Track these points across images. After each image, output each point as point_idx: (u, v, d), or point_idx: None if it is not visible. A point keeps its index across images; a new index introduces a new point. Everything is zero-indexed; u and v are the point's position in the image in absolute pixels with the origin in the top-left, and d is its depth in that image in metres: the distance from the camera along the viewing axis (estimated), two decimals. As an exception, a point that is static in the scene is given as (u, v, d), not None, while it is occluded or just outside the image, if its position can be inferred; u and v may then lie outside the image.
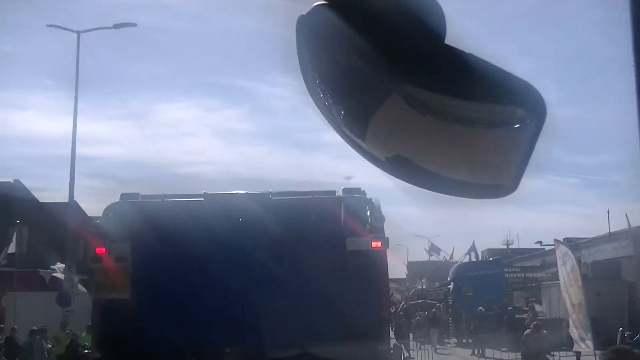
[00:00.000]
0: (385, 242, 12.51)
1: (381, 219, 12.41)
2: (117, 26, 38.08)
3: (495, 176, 2.17)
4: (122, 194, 13.17)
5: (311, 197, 12.75)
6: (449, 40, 1.95)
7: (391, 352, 12.79)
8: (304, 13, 2.03)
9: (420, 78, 1.96)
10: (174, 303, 12.49)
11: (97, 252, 12.47)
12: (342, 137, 2.22)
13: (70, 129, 37.76)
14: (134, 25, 38.88)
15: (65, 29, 37.86)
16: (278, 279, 12.41)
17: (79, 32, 37.69)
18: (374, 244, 12.43)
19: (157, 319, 12.41)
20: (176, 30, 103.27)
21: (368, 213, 12.55)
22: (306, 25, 2.05)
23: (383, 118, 2.05)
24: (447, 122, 2.01)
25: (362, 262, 12.43)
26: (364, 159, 2.26)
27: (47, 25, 38.07)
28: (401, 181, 2.21)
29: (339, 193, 12.98)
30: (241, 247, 12.47)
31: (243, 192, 13.16)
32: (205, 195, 12.92)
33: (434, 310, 47.71)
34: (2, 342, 28.88)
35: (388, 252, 12.74)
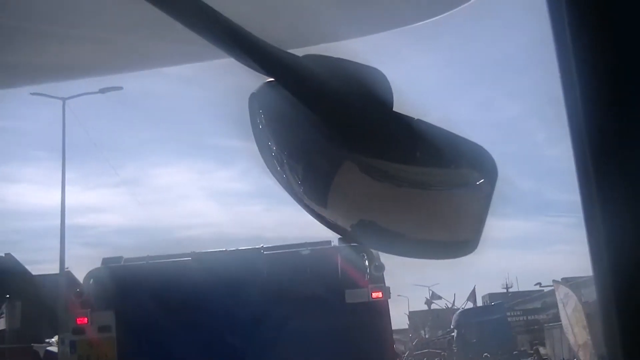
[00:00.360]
0: (387, 291, 11.75)
1: (381, 267, 11.66)
2: (102, 91, 37.55)
3: (456, 235, 2.10)
4: (103, 259, 12.40)
5: (305, 249, 12.00)
6: (398, 108, 1.93)
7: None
8: (254, 91, 2.07)
9: (370, 146, 1.95)
10: None
11: (78, 322, 11.65)
12: (306, 210, 2.17)
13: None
14: (120, 88, 38.22)
15: (49, 96, 37.30)
16: (274, 341, 11.64)
17: (63, 99, 37.23)
18: (374, 294, 11.67)
19: None
20: (165, 95, 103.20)
21: (366, 262, 11.80)
22: (256, 102, 2.09)
23: (341, 186, 2.01)
24: (403, 187, 1.98)
25: (363, 314, 11.69)
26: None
27: (31, 94, 37.38)
28: None
29: (335, 243, 12.23)
30: (232, 308, 11.72)
31: (232, 248, 12.37)
32: (192, 254, 12.17)
33: (437, 359, 46.82)
34: None
35: (389, 302, 11.97)
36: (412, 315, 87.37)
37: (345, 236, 2.26)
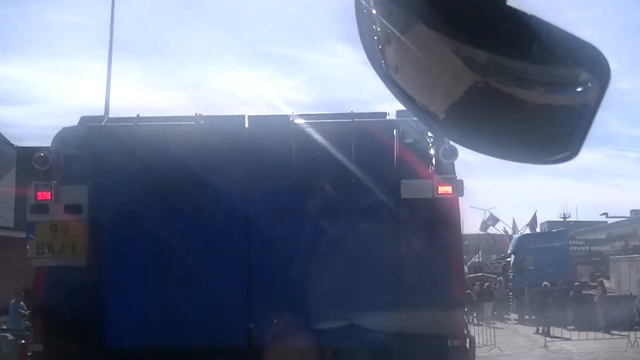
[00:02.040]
0: (458, 186, 8.25)
1: (452, 152, 8.12)
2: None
3: (556, 141, 2.01)
4: (81, 117, 9.01)
5: (350, 120, 8.43)
6: (512, 1, 1.83)
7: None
8: None
9: (480, 40, 1.87)
10: (154, 276, 8.43)
11: (38, 197, 8.34)
12: (397, 95, 2.06)
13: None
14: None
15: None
16: (302, 242, 8.35)
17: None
18: (441, 188, 8.22)
19: (128, 298, 8.38)
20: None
21: (432, 145, 8.27)
22: None
23: (442, 76, 1.96)
24: (507, 85, 1.90)
25: (425, 216, 8.27)
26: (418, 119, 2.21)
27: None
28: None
29: (392, 116, 8.65)
30: (250, 196, 8.36)
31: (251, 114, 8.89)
32: (197, 117, 8.71)
33: (487, 283, 43.33)
34: None
35: (461, 201, 8.49)
36: (466, 238, 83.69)
37: (435, 126, 2.11)
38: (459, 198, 8.35)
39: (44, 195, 8.27)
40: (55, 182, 8.31)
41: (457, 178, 8.26)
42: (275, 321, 8.07)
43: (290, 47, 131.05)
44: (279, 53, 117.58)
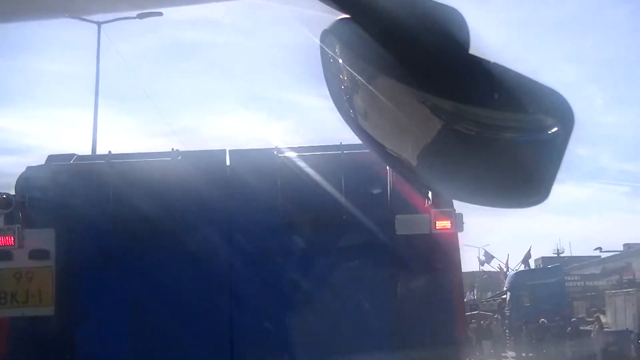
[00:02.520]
0: (458, 220, 7.54)
1: None
2: (140, 16, 33.16)
3: (526, 184, 2.03)
4: (49, 156, 8.27)
5: (339, 152, 7.74)
6: (474, 50, 1.88)
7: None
8: (327, 27, 2.00)
9: (443, 89, 1.91)
10: (130, 327, 7.68)
11: (1, 243, 7.59)
12: (367, 143, 2.14)
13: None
14: (160, 14, 33.94)
15: (84, 19, 33.10)
16: (289, 286, 7.71)
17: (99, 23, 33.11)
18: (439, 223, 7.51)
19: (101, 354, 7.62)
20: (221, 45, 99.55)
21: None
22: (329, 37, 2.02)
23: (409, 125, 2.00)
24: (474, 132, 1.94)
25: (422, 253, 7.58)
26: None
27: (67, 16, 33.25)
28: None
29: None
30: (232, 238, 7.70)
31: (234, 148, 8.19)
32: (173, 152, 8.02)
33: (487, 321, 42.51)
34: None
35: (460, 237, 7.79)
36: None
37: (409, 175, 2.16)
38: (458, 233, 7.66)
39: (7, 240, 7.50)
40: (19, 225, 7.56)
41: (456, 212, 7.57)
42: None
43: (282, 90, 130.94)
44: (271, 97, 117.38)
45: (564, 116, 1.85)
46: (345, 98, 2.11)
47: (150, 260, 7.62)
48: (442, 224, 7.46)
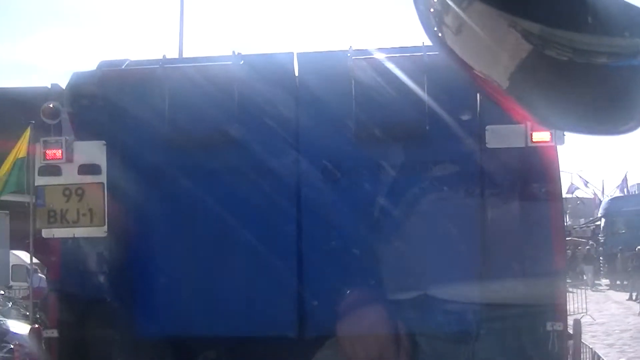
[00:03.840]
0: (558, 132, 6.42)
1: None
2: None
3: (620, 111, 1.92)
4: (100, 62, 7.39)
5: (422, 54, 6.64)
6: None
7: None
8: None
9: (535, 12, 1.80)
10: (187, 250, 6.88)
11: (47, 157, 6.80)
12: (456, 64, 2.05)
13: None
14: None
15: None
16: (364, 205, 6.77)
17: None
18: (537, 135, 6.42)
19: (158, 277, 6.89)
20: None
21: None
22: None
23: (499, 50, 1.91)
24: (567, 57, 1.81)
25: (515, 170, 6.51)
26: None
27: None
28: None
29: None
30: (300, 152, 6.81)
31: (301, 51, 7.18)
32: (235, 57, 7.06)
33: (588, 247, 41.16)
34: None
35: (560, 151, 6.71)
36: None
37: (494, 99, 2.13)
38: (558, 147, 6.57)
39: (54, 154, 6.74)
40: (68, 138, 6.79)
41: (556, 122, 6.46)
42: (331, 304, 6.46)
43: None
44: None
45: None
46: (434, 20, 1.99)
47: (208, 176, 6.78)
48: (540, 136, 6.38)
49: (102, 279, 6.81)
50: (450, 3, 1.94)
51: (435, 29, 2.03)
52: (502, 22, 1.85)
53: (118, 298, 6.73)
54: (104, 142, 6.79)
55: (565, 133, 6.42)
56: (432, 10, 2.03)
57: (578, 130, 2.16)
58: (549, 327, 6.44)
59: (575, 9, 1.78)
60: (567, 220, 65.78)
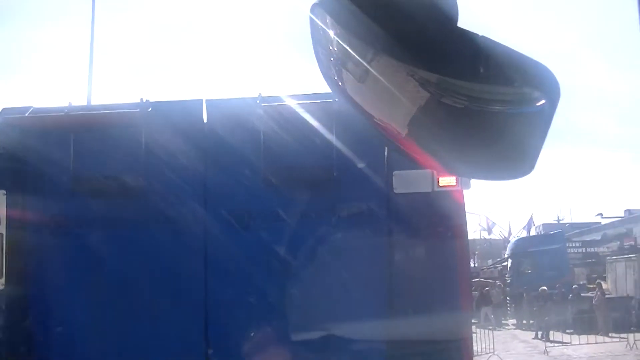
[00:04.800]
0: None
1: None
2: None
3: (513, 156, 2.01)
4: (2, 109, 7.19)
5: (331, 100, 6.68)
6: (462, 23, 1.84)
7: None
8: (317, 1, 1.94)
9: (431, 63, 1.89)
10: (91, 299, 6.68)
11: None
12: (356, 110, 2.11)
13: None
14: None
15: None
16: (271, 250, 6.67)
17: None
18: (443, 180, 6.51)
19: (60, 327, 6.66)
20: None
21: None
22: (319, 10, 1.95)
23: (398, 97, 1.93)
24: (462, 105, 1.91)
25: (423, 214, 6.56)
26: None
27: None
28: None
29: None
30: (208, 198, 6.72)
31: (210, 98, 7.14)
32: (143, 104, 6.96)
33: (487, 288, 41.70)
34: None
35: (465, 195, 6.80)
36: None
37: (396, 146, 2.22)
38: (465, 191, 6.66)
39: None
40: None
41: (461, 167, 6.54)
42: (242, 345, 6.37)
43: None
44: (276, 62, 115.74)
45: (550, 89, 1.78)
46: (334, 69, 2.06)
47: (114, 224, 6.62)
48: (447, 181, 6.48)
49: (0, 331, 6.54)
50: (353, 53, 1.97)
51: (336, 77, 2.09)
52: (402, 71, 1.91)
53: (19, 351, 6.47)
54: (4, 191, 6.58)
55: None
56: (332, 59, 2.06)
57: (476, 175, 2.20)
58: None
59: (468, 60, 1.82)
60: (476, 261, 66.95)
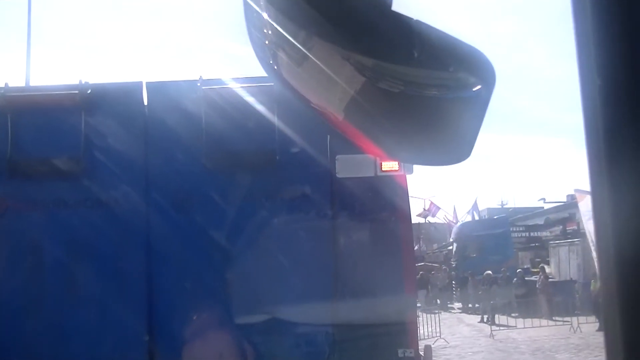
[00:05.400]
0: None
1: None
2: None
3: (449, 142, 1.98)
4: None
5: (272, 84, 6.64)
6: (398, 7, 1.79)
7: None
8: None
9: (366, 47, 1.84)
10: (29, 283, 6.56)
11: None
12: (292, 94, 2.04)
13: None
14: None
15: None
16: (213, 235, 6.62)
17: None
18: (386, 164, 6.51)
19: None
20: None
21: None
22: None
23: (335, 82, 1.91)
24: (398, 90, 1.87)
25: (366, 199, 6.57)
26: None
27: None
28: None
29: None
30: (149, 182, 6.69)
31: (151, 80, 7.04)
32: (82, 85, 6.83)
33: (422, 272, 42.01)
34: None
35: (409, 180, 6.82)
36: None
37: (335, 130, 2.09)
38: (407, 176, 6.69)
39: None
40: None
41: (404, 151, 6.56)
42: (185, 329, 6.32)
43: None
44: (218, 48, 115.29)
45: (486, 74, 1.81)
46: (269, 52, 2.01)
47: (53, 208, 6.50)
48: (390, 165, 6.48)
49: None
50: (287, 36, 1.95)
51: (271, 61, 2.05)
52: (336, 55, 1.88)
53: None
54: None
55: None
56: (267, 42, 2.03)
57: (414, 160, 2.20)
58: (400, 353, 6.51)
59: (402, 44, 1.81)
60: (421, 245, 67.52)
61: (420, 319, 28.11)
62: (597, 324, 26.68)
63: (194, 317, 6.37)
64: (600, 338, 24.83)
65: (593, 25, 1.53)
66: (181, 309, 6.44)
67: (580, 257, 37.81)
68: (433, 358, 7.84)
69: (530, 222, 55.45)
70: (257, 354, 6.41)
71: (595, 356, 21.18)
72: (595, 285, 28.51)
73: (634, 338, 1.29)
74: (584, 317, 28.10)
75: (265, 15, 1.98)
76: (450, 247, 50.15)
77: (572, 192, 53.20)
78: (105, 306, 6.45)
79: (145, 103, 6.82)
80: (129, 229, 6.57)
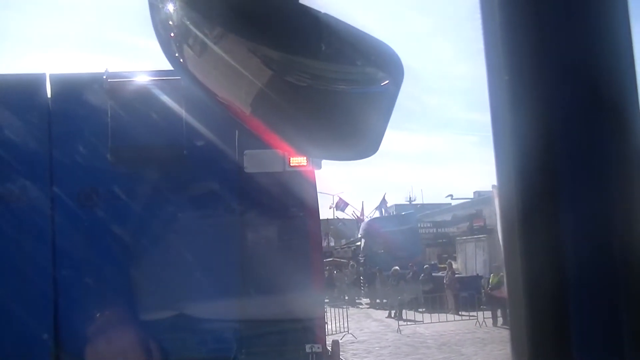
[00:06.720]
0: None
1: None
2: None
3: (357, 136, 1.93)
4: None
5: (180, 77, 6.61)
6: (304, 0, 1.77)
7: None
8: None
9: (273, 40, 1.78)
10: None
11: None
12: (196, 87, 1.89)
13: None
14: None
15: None
16: (118, 230, 6.57)
17: None
18: (294, 160, 6.59)
19: None
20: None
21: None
22: None
23: (242, 76, 1.82)
24: (305, 83, 1.80)
25: (273, 194, 6.64)
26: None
27: None
28: None
29: None
30: (53, 176, 6.61)
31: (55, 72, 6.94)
32: None
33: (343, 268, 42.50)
34: None
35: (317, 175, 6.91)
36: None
37: (241, 125, 1.93)
38: (316, 171, 6.77)
39: None
40: None
41: (313, 147, 6.63)
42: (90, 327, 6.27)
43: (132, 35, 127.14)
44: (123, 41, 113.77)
45: (394, 70, 1.79)
46: (174, 45, 1.92)
47: None
48: (298, 160, 6.55)
49: None
50: (193, 28, 1.89)
51: (177, 54, 1.97)
52: (243, 48, 1.84)
53: None
54: None
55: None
56: (172, 35, 1.96)
57: (322, 154, 2.21)
58: (308, 349, 6.59)
59: (310, 37, 1.79)
60: (329, 241, 67.91)
61: (328, 314, 28.37)
62: (497, 319, 27.53)
63: (99, 315, 6.32)
64: (502, 332, 25.58)
65: (501, 22, 1.55)
66: (86, 307, 6.38)
67: (486, 253, 38.73)
68: (341, 353, 7.93)
69: (437, 219, 56.41)
70: (164, 351, 6.41)
71: (500, 350, 21.75)
72: (494, 280, 29.30)
73: (538, 332, 1.34)
74: (489, 312, 28.70)
75: (170, 7, 1.94)
76: (359, 243, 50.56)
77: (479, 189, 54.62)
78: (7, 305, 6.34)
79: (49, 96, 6.72)
80: (31, 226, 6.47)
